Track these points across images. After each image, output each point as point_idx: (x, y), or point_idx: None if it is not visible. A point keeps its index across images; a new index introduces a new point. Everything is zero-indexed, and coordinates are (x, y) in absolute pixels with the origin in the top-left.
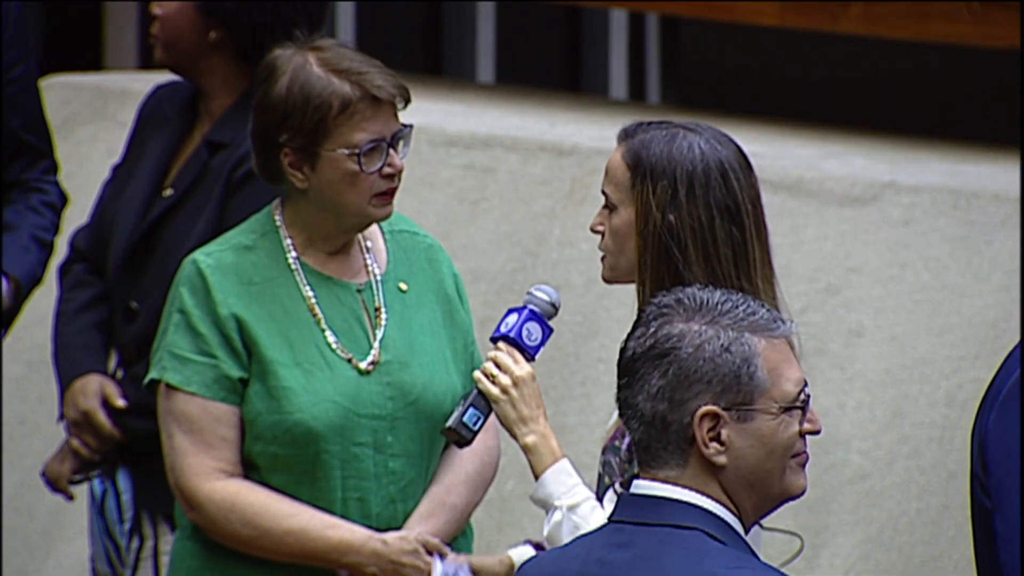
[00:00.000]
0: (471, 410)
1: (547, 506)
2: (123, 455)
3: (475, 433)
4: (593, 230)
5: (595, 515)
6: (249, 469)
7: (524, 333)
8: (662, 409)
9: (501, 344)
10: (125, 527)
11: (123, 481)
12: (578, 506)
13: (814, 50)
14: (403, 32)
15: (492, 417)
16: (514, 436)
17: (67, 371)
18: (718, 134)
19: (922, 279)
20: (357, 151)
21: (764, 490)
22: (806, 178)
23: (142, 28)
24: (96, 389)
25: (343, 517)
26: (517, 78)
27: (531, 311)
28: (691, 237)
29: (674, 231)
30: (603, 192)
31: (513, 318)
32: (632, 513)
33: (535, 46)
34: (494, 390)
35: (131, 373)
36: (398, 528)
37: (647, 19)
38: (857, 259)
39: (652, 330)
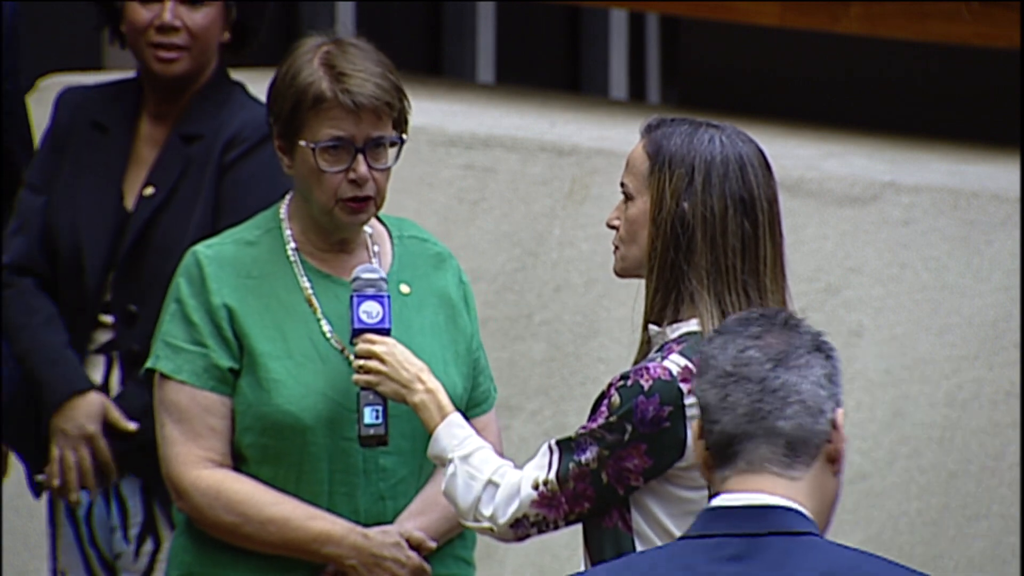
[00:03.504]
0: (366, 409)
1: (443, 461)
2: (132, 461)
3: (385, 425)
4: (609, 225)
5: (488, 464)
6: (238, 461)
7: (363, 318)
8: (822, 396)
9: (356, 339)
10: (131, 532)
11: (127, 487)
12: (470, 456)
13: (814, 50)
14: (403, 32)
15: (494, 422)
16: (406, 404)
17: (62, 384)
18: (740, 133)
19: (922, 279)
20: (314, 146)
21: (832, 514)
22: (806, 178)
23: None
24: (99, 411)
25: (330, 511)
26: (517, 78)
27: (358, 297)
28: (701, 226)
29: (686, 219)
30: (621, 184)
31: (350, 314)
32: (730, 525)
33: (535, 46)
34: (367, 377)
35: (137, 377)
36: (388, 524)
37: (647, 19)
38: (857, 259)
39: (802, 327)
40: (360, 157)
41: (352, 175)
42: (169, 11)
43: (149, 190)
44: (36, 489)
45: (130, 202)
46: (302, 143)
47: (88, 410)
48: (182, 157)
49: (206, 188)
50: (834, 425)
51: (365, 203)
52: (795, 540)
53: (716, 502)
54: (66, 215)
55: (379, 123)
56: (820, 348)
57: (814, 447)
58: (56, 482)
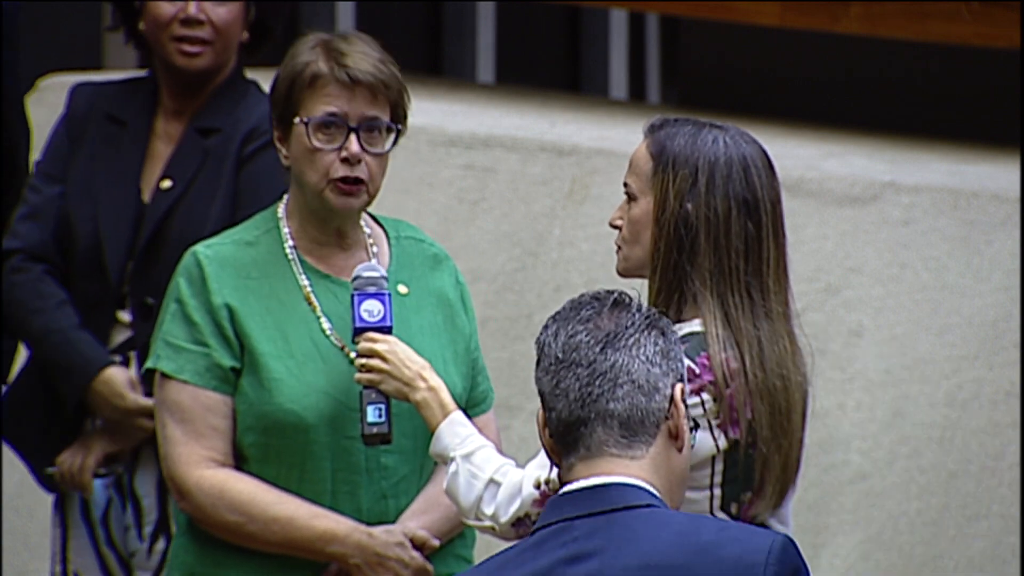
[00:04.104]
0: (369, 408)
1: (445, 459)
2: (149, 452)
3: (388, 423)
4: (612, 225)
5: (490, 463)
6: (240, 461)
7: (364, 316)
8: (656, 373)
9: (358, 338)
10: (146, 531)
11: (142, 485)
12: (472, 454)
13: (814, 50)
14: (403, 32)
15: (493, 422)
16: (408, 402)
17: (85, 365)
18: (744, 133)
19: (922, 279)
20: (307, 119)
21: (683, 489)
22: (806, 178)
23: None
24: (126, 382)
25: (332, 509)
26: (517, 78)
27: (359, 296)
28: (704, 227)
29: (689, 220)
30: (624, 184)
31: (351, 313)
32: (574, 508)
33: (535, 46)
34: (369, 376)
35: None
36: (390, 522)
37: (647, 19)
38: (857, 259)
39: (634, 306)
40: (353, 136)
41: (344, 153)
42: (194, 5)
43: (166, 183)
44: (47, 484)
45: (147, 196)
46: (296, 120)
47: (115, 386)
48: (200, 150)
49: (225, 181)
50: (672, 401)
51: (356, 186)
52: (635, 513)
53: (562, 491)
54: (84, 207)
55: (374, 103)
56: (653, 326)
57: (652, 425)
58: (74, 465)
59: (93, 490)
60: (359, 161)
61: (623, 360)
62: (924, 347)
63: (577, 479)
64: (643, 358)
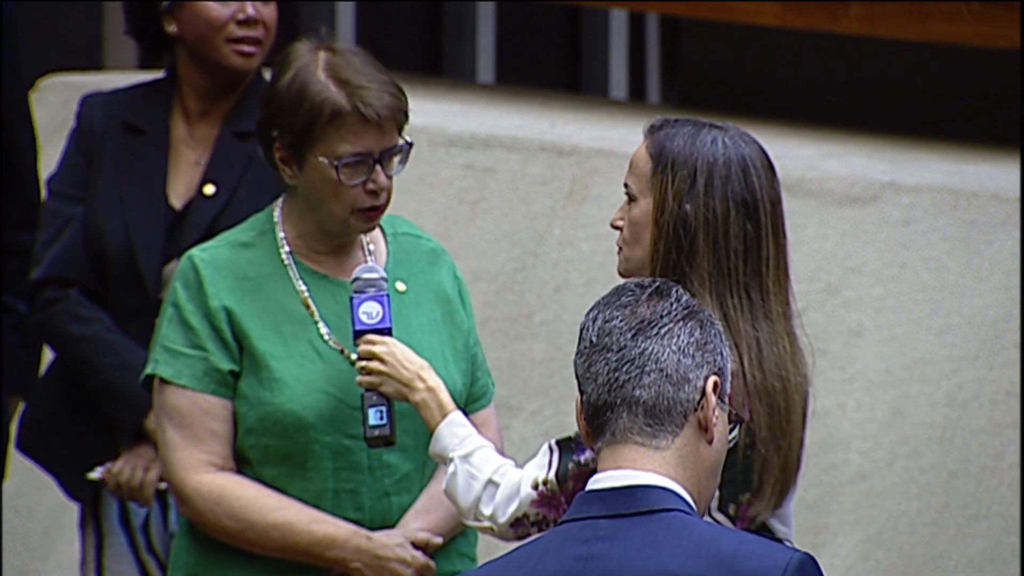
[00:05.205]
0: (371, 411)
1: (444, 460)
2: None
3: (390, 425)
4: (613, 225)
5: (488, 463)
6: (242, 463)
7: (363, 319)
8: (687, 364)
9: (358, 340)
10: None
11: None
12: (471, 455)
13: (814, 50)
14: (403, 32)
15: (494, 417)
16: (408, 402)
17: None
18: (744, 134)
19: (922, 279)
20: (336, 162)
21: (713, 482)
22: (806, 178)
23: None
24: None
25: (334, 509)
26: (517, 78)
27: (357, 298)
28: (703, 228)
29: (688, 221)
30: (625, 185)
31: (351, 316)
32: (601, 507)
33: (535, 46)
34: (369, 379)
35: None
36: (393, 520)
37: (647, 19)
38: (857, 259)
39: (674, 295)
40: (378, 168)
41: (371, 186)
42: (250, 5)
43: (210, 188)
44: (76, 493)
45: (176, 202)
46: (322, 159)
47: None
48: (242, 155)
49: (274, 186)
50: (704, 393)
51: (379, 211)
52: (658, 518)
53: (591, 485)
54: (112, 218)
55: (393, 132)
56: (692, 316)
57: (679, 416)
58: (130, 479)
59: (154, 505)
60: (384, 190)
61: (653, 348)
62: (924, 347)
63: (604, 467)
64: (675, 347)
